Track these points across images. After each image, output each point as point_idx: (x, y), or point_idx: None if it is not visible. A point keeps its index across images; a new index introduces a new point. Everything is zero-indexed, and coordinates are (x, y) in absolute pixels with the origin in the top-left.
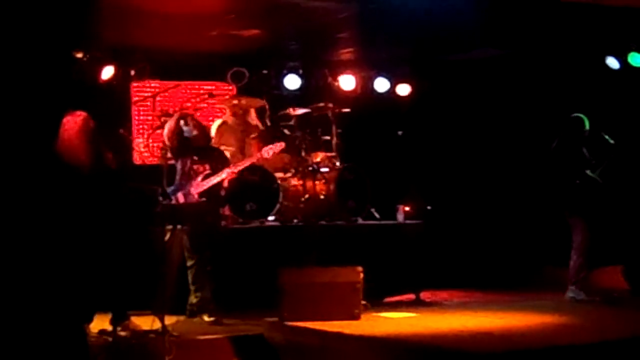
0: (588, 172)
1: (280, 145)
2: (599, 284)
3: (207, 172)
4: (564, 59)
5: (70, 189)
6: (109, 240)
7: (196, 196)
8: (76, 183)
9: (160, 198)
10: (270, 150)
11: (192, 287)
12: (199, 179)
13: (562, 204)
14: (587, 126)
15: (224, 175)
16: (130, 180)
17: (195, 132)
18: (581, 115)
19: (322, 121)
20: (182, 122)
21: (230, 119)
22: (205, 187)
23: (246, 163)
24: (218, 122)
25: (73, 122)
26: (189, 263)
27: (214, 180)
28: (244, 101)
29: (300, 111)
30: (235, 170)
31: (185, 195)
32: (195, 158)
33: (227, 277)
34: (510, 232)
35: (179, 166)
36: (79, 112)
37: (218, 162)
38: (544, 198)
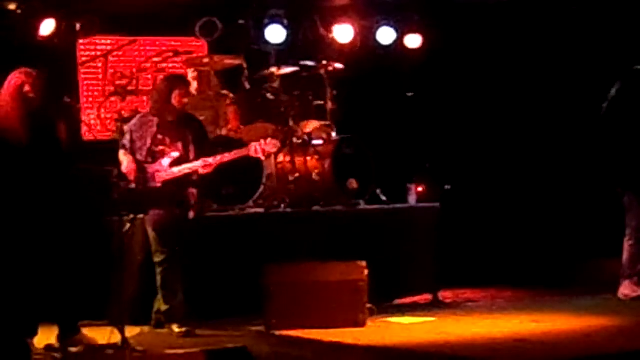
0: None
1: (275, 144)
2: None
3: (177, 154)
4: None
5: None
6: (54, 234)
7: (158, 184)
8: (9, 159)
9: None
10: (261, 148)
11: (161, 292)
12: (165, 162)
13: (614, 180)
14: None
15: (197, 165)
16: (80, 161)
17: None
18: None
19: (314, 82)
20: None
21: (199, 83)
22: (171, 177)
23: (227, 157)
24: None
25: (7, 82)
26: (158, 259)
27: (184, 169)
28: (217, 60)
29: (287, 70)
30: (213, 163)
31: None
32: (160, 137)
33: (201, 277)
34: (548, 217)
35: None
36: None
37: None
38: (591, 173)
